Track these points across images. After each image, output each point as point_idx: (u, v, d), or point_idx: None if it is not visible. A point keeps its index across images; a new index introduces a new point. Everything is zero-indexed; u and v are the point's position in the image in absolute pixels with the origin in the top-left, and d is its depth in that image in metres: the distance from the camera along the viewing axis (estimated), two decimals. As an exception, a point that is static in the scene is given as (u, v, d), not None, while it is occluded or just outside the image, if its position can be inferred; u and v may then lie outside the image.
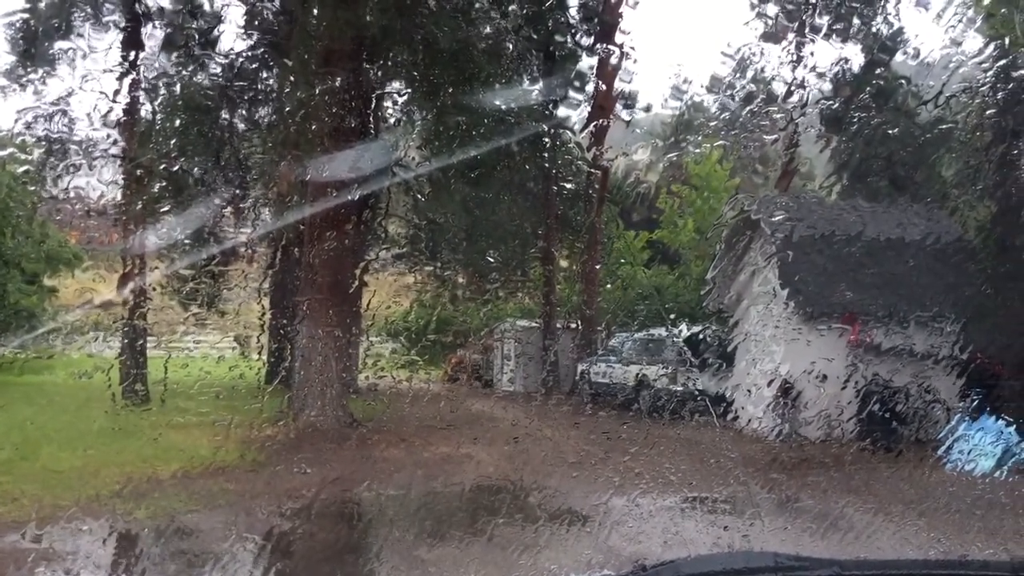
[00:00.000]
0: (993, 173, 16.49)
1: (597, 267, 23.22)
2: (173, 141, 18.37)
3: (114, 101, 17.08)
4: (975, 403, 13.03)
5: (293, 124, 16.08)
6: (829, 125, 22.08)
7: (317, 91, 14.92)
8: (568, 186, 22.35)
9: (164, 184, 17.77)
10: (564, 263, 25.40)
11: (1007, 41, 15.28)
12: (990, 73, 15.11)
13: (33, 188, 19.52)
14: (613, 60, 21.34)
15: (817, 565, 2.40)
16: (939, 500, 9.65)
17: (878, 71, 22.02)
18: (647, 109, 27.50)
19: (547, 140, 20.23)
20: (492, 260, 23.17)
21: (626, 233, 26.67)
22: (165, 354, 16.60)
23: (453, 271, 24.54)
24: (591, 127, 21.80)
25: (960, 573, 2.54)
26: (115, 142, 17.80)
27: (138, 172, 17.46)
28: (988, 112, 15.83)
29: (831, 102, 21.75)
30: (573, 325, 23.52)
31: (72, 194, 19.55)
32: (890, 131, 20.01)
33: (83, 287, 21.49)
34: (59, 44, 18.60)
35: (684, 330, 19.41)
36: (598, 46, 21.57)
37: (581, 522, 8.49)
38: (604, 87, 22.33)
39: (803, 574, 2.33)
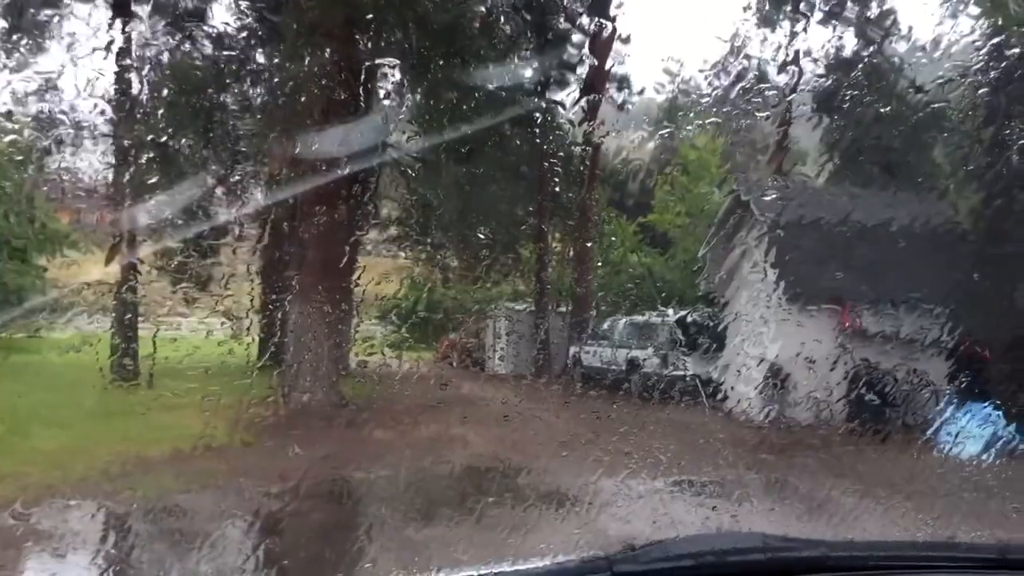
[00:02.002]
0: (984, 155, 16.47)
1: (588, 245, 23.15)
2: (162, 115, 18.15)
3: (100, 76, 16.90)
4: (963, 386, 13.09)
5: (283, 99, 15.95)
6: (821, 105, 22.02)
7: (307, 66, 14.79)
8: (558, 165, 22.20)
9: (153, 160, 17.59)
10: (556, 244, 25.33)
11: (999, 20, 15.23)
12: (982, 53, 15.05)
13: (19, 162, 19.27)
14: (606, 34, 21.17)
15: (804, 546, 2.41)
16: (927, 483, 9.71)
17: (869, 51, 21.97)
18: (641, 92, 27.41)
19: (539, 116, 20.11)
20: (483, 237, 23.08)
21: (618, 219, 26.59)
22: (153, 329, 16.48)
23: (444, 249, 24.43)
24: (582, 102, 21.65)
25: (947, 555, 2.54)
26: (105, 117, 17.61)
27: (127, 148, 17.28)
28: (980, 92, 15.79)
29: (823, 80, 21.69)
30: (564, 307, 23.50)
31: (62, 171, 19.34)
32: (882, 110, 19.95)
33: (72, 264, 21.31)
34: (46, 17, 18.38)
35: (674, 312, 19.42)
36: (591, 22, 21.41)
37: (570, 502, 8.50)
38: (597, 63, 22.17)
39: (790, 555, 2.33)
